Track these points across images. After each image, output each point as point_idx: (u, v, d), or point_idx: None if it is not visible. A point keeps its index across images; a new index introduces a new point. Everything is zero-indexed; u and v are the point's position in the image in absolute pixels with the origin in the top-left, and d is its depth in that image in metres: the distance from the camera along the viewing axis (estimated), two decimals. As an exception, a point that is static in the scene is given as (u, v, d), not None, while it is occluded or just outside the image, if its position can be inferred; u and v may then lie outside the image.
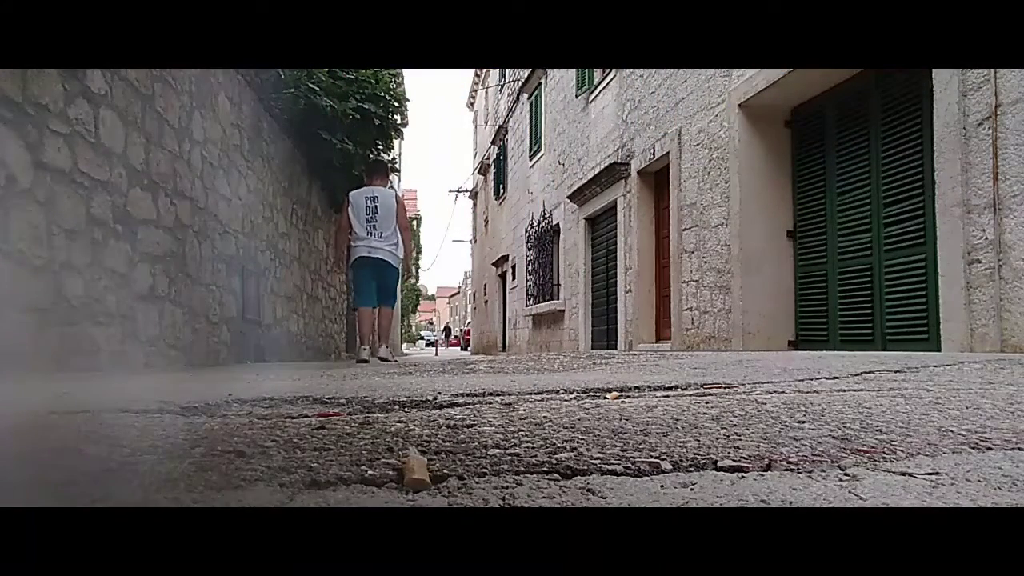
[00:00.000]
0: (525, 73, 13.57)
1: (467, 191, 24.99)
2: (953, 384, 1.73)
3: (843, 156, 5.19)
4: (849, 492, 0.71)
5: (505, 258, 16.14)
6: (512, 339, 15.12)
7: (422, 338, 53.92)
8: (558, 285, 11.52)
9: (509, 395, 1.74)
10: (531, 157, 13.39)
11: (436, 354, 20.42)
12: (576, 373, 2.69)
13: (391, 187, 6.01)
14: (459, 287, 58.80)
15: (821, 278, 5.43)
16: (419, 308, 48.89)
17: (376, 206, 5.19)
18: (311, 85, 6.61)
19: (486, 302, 20.40)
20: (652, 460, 0.86)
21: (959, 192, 3.73)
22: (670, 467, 0.84)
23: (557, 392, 1.80)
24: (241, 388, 2.05)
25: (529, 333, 13.19)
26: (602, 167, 8.86)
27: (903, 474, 0.79)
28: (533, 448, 0.95)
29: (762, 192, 5.81)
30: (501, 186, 17.09)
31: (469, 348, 27.21)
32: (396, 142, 10.75)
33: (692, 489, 0.74)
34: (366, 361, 4.91)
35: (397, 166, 12.78)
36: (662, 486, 0.76)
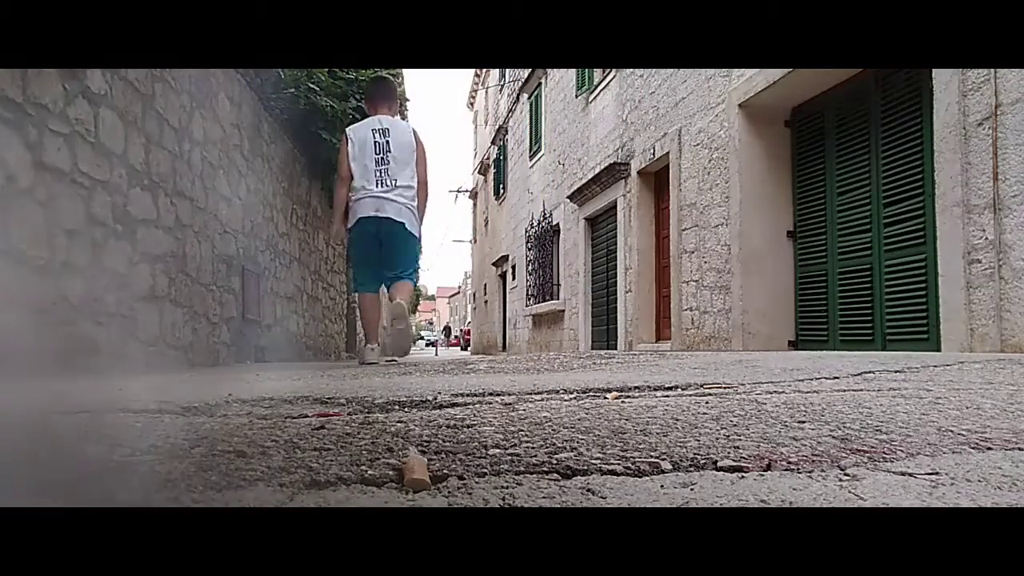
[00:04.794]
0: (525, 73, 13.56)
1: (467, 191, 24.99)
2: (953, 384, 1.73)
3: (843, 156, 5.19)
4: (849, 492, 0.71)
5: (505, 258, 16.14)
6: (512, 339, 15.12)
7: (422, 338, 53.92)
8: (558, 285, 11.52)
9: (509, 395, 1.74)
10: (531, 157, 13.39)
11: (436, 354, 20.42)
12: (576, 373, 2.68)
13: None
14: (459, 287, 58.79)
15: (821, 278, 5.43)
16: (419, 308, 48.88)
17: (388, 142, 3.82)
18: (311, 85, 6.61)
19: (486, 302, 20.39)
20: (652, 460, 0.86)
21: (959, 192, 3.73)
22: (670, 467, 0.84)
23: (557, 392, 1.80)
24: (241, 388, 2.05)
25: (529, 333, 13.18)
26: (602, 167, 8.86)
27: (903, 474, 0.79)
28: (533, 448, 0.95)
29: (762, 192, 5.81)
30: (501, 186, 17.09)
31: (469, 348, 27.20)
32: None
33: (692, 489, 0.74)
34: (375, 363, 3.82)
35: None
36: (662, 486, 0.76)
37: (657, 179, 7.90)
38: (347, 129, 4.10)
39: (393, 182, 3.85)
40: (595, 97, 9.61)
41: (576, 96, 10.36)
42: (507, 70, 16.13)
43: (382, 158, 3.84)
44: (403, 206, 3.88)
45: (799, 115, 5.75)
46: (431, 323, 79.57)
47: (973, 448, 0.92)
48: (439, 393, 1.79)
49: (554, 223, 11.56)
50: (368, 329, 4.09)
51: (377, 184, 3.83)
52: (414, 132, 4.06)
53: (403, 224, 3.89)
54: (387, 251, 3.93)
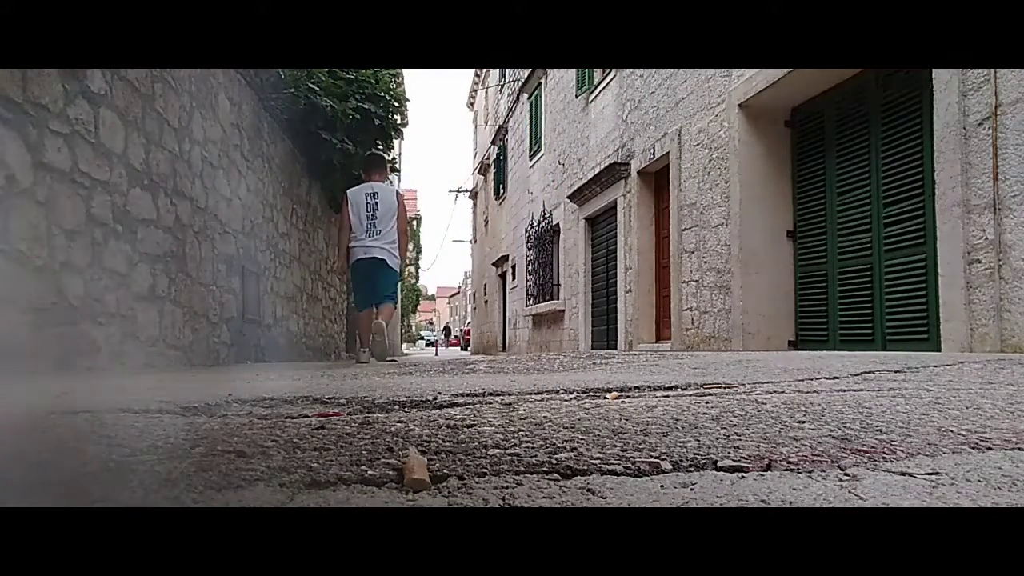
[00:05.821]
0: (525, 73, 13.56)
1: (467, 191, 24.98)
2: (953, 384, 1.73)
3: (843, 156, 5.19)
4: (849, 492, 0.71)
5: (505, 258, 16.14)
6: (512, 339, 15.12)
7: (422, 338, 53.87)
8: (558, 285, 11.52)
9: (509, 395, 1.74)
10: (531, 157, 13.39)
11: (436, 354, 20.41)
12: (576, 373, 2.68)
13: (390, 184, 5.94)
14: (459, 287, 58.75)
15: (821, 278, 5.43)
16: (419, 308, 48.85)
17: (376, 203, 5.16)
18: (311, 85, 6.61)
19: (486, 302, 20.39)
20: (652, 460, 0.86)
21: (959, 192, 3.73)
22: (670, 467, 0.84)
23: (557, 392, 1.80)
24: (241, 388, 2.05)
25: (529, 333, 13.18)
26: (602, 167, 8.86)
27: (903, 474, 0.79)
28: (533, 448, 0.95)
29: (762, 192, 5.81)
30: (501, 186, 17.09)
31: (469, 348, 27.20)
32: (396, 142, 10.75)
33: (692, 489, 0.74)
34: (366, 362, 4.95)
35: (397, 166, 12.77)
36: (662, 486, 0.76)
37: (657, 179, 7.90)
38: (347, 191, 5.40)
39: (379, 232, 5.19)
40: (595, 97, 9.61)
41: (576, 96, 10.36)
42: (507, 70, 16.13)
43: (371, 215, 5.19)
44: (386, 249, 5.21)
45: (799, 115, 5.75)
46: (431, 323, 79.47)
47: (973, 448, 0.92)
48: (439, 393, 1.79)
49: (554, 223, 11.56)
50: (361, 336, 5.36)
51: (367, 235, 5.18)
52: (397, 193, 5.43)
53: (385, 260, 5.21)
54: (374, 280, 5.25)
